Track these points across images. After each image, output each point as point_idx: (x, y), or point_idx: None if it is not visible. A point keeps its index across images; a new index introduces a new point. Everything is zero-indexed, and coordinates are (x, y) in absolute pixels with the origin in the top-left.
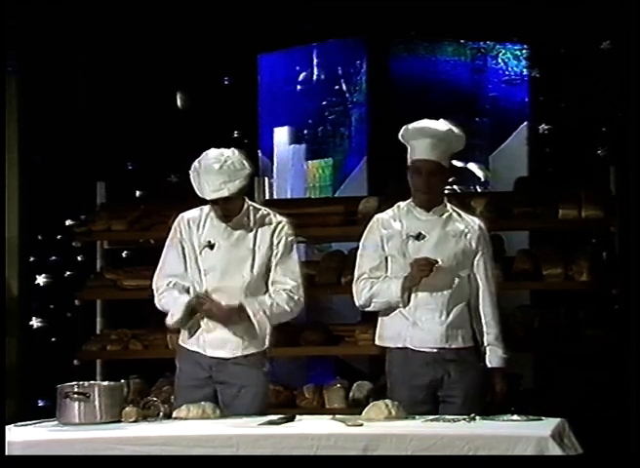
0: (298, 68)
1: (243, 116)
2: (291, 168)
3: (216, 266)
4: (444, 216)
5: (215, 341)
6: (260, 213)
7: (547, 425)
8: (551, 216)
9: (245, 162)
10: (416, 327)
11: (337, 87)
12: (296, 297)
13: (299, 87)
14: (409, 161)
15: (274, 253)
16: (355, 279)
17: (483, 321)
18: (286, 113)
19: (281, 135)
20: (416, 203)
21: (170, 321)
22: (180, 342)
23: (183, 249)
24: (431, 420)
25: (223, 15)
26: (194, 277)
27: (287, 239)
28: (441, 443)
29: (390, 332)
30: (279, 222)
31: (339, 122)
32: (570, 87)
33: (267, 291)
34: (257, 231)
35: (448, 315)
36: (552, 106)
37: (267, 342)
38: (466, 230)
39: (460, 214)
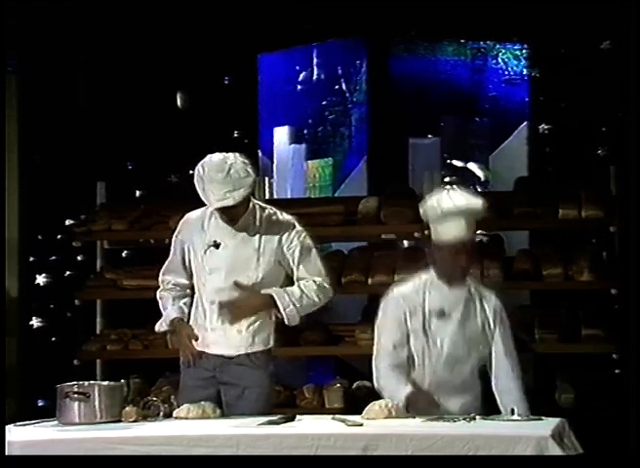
0: (298, 68)
1: (243, 116)
2: (291, 168)
3: (221, 266)
4: (466, 292)
5: (218, 339)
6: (267, 212)
7: (547, 425)
8: (551, 216)
9: (249, 168)
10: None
11: (337, 87)
12: (325, 288)
13: (299, 87)
14: (433, 238)
15: (291, 253)
16: (375, 354)
17: (510, 398)
18: (286, 113)
19: (281, 135)
20: (439, 276)
21: (157, 328)
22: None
23: (183, 249)
24: (431, 420)
25: (223, 15)
26: (199, 277)
27: (300, 237)
28: (441, 443)
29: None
30: (287, 221)
31: (339, 122)
32: (570, 87)
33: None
34: (263, 231)
35: (465, 393)
36: (552, 106)
37: (272, 341)
38: (486, 307)
39: (477, 289)
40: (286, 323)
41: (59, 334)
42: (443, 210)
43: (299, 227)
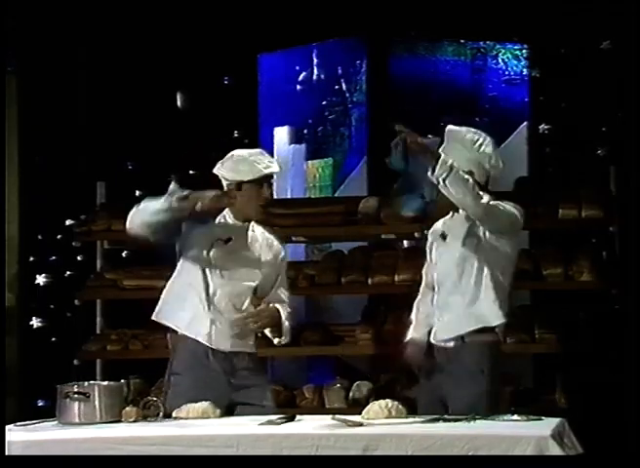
0: (298, 68)
1: (243, 116)
2: (291, 168)
3: (226, 264)
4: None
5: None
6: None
7: (547, 425)
8: (551, 216)
9: None
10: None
11: (337, 87)
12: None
13: (299, 87)
14: None
15: (280, 271)
16: None
17: None
18: (286, 113)
19: (281, 135)
20: None
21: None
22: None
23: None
24: (431, 420)
25: (223, 15)
26: (199, 270)
27: (286, 258)
28: (441, 443)
29: None
30: (280, 239)
31: (339, 122)
32: (570, 87)
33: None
34: (265, 238)
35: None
36: (552, 106)
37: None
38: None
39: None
40: (282, 339)
41: (59, 334)
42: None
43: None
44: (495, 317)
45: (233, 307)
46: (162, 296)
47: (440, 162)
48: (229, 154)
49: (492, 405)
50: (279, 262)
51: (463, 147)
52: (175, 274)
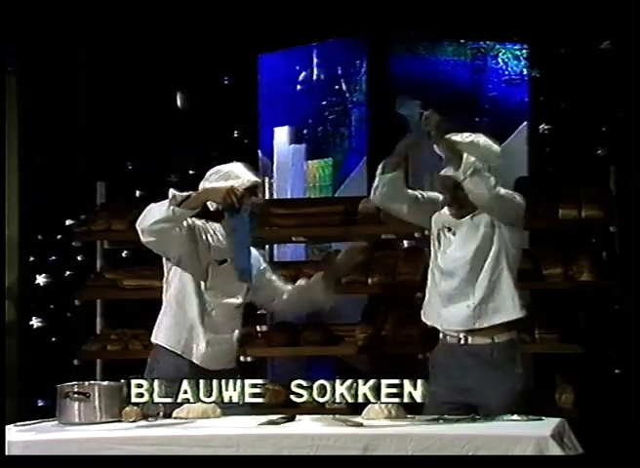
0: (298, 68)
1: (243, 116)
2: (291, 168)
3: (220, 284)
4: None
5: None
6: None
7: (547, 425)
8: (551, 216)
9: None
10: None
11: (337, 87)
12: None
13: (299, 87)
14: None
15: (267, 273)
16: None
17: None
18: (286, 113)
19: (281, 135)
20: None
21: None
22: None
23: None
24: (431, 420)
25: (223, 15)
26: (197, 292)
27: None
28: (441, 443)
29: None
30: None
31: (339, 122)
32: (570, 87)
33: None
34: None
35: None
36: (552, 106)
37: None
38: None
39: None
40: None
41: (59, 334)
42: None
43: None
44: (517, 310)
45: (226, 325)
46: (159, 317)
47: (465, 158)
48: (213, 170)
49: (524, 400)
50: (266, 270)
51: (470, 152)
52: (171, 295)
